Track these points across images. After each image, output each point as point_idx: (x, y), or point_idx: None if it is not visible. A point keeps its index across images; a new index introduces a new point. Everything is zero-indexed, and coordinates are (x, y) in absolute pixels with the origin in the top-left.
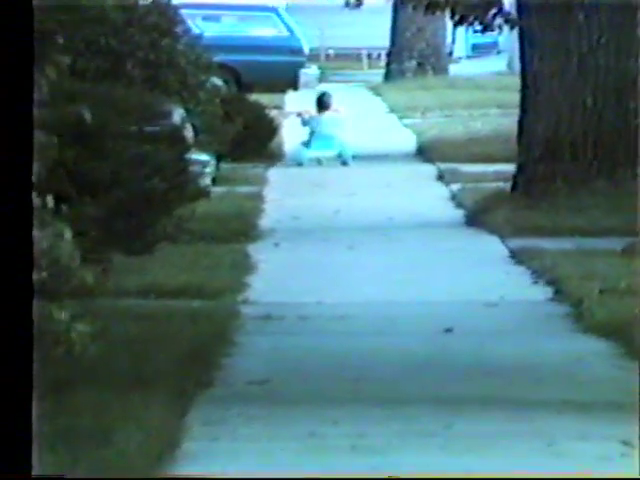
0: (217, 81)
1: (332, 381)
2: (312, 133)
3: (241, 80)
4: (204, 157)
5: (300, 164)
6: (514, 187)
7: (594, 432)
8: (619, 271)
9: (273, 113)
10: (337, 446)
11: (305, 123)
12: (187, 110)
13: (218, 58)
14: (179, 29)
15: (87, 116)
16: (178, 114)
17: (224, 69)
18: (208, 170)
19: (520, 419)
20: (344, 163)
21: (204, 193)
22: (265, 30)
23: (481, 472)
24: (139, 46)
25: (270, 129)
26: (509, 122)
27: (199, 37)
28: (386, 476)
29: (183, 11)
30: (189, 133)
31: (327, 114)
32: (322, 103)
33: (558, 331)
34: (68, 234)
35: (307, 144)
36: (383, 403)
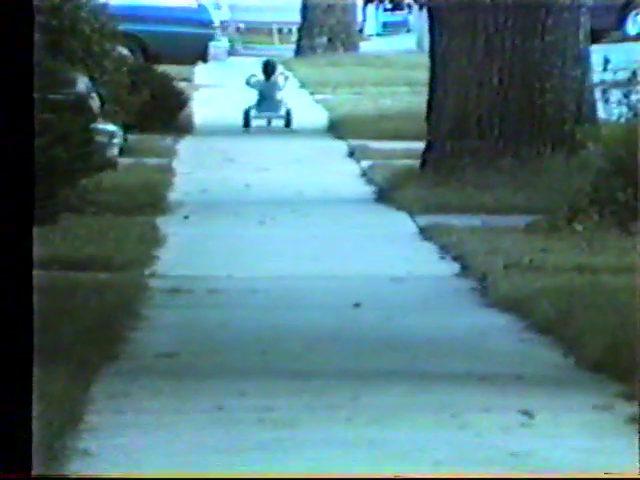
0: (123, 50)
1: (240, 354)
2: (261, 97)
3: (148, 51)
4: (111, 127)
5: (247, 127)
6: (423, 164)
7: (496, 403)
8: (523, 247)
9: (182, 85)
10: (244, 419)
11: (253, 85)
12: (92, 79)
13: (124, 27)
14: None
15: None
16: (83, 82)
17: (130, 39)
18: (115, 141)
19: (425, 391)
20: (287, 125)
21: (111, 164)
22: (174, 0)
23: (391, 445)
24: (39, 10)
25: (179, 101)
26: (419, 100)
27: (104, 5)
28: (387, 475)
29: None
30: (95, 102)
31: (273, 79)
32: (269, 69)
33: (463, 305)
34: None
35: (258, 107)
36: (291, 376)
